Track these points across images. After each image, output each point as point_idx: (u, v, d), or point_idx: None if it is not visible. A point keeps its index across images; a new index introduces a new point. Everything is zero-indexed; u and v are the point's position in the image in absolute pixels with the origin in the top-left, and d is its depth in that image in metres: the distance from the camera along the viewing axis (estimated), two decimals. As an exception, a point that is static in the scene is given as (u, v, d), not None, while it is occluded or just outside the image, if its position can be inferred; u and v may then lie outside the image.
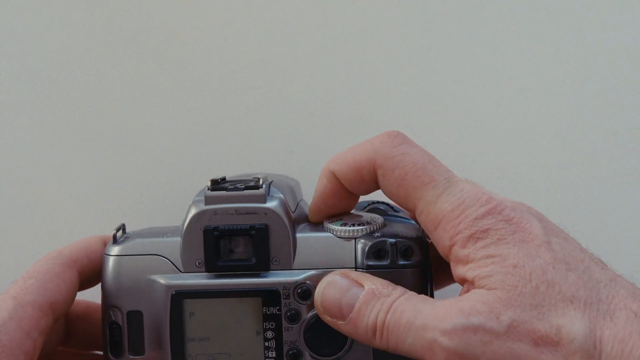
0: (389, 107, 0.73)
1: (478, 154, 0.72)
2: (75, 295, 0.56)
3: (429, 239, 0.54)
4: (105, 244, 0.57)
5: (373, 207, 0.59)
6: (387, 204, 0.59)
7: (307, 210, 0.58)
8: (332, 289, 0.52)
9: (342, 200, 0.56)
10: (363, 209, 0.59)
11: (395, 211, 0.59)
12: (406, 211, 0.54)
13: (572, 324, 0.45)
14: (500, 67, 0.74)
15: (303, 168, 0.68)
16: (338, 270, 0.53)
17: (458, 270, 0.49)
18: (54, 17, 0.75)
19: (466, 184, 0.51)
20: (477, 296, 0.47)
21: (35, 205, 0.75)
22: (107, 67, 0.75)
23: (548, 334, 0.45)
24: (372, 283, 0.51)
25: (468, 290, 0.48)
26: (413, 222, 0.57)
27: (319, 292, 0.52)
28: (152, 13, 0.75)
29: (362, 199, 0.58)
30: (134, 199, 0.74)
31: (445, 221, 0.49)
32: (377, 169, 0.52)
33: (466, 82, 0.74)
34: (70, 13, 0.75)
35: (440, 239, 0.50)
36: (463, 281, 0.49)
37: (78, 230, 0.73)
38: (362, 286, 0.51)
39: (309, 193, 0.59)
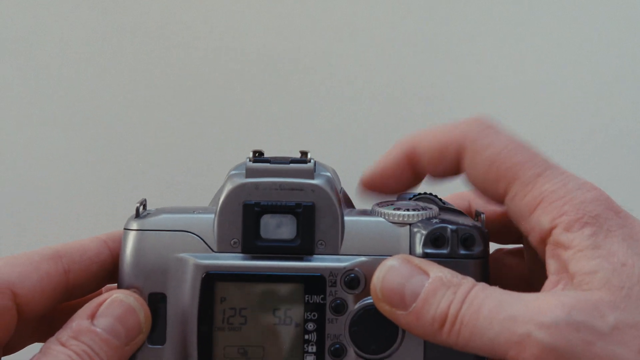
0: (396, 110, 0.72)
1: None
2: (56, 290, 0.49)
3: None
4: (108, 246, 0.51)
5: (420, 197, 0.54)
6: (435, 196, 0.54)
7: (348, 198, 0.53)
8: (394, 274, 0.46)
9: (402, 179, 0.51)
10: (409, 200, 0.54)
11: (444, 203, 0.54)
12: (491, 199, 0.50)
13: None
14: (501, 69, 0.74)
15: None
16: (399, 255, 0.47)
17: (557, 254, 0.44)
18: (56, 16, 0.73)
19: (565, 169, 0.47)
20: (579, 294, 0.42)
21: (45, 196, 0.72)
22: (116, 60, 0.73)
23: None
24: (439, 271, 0.46)
25: (560, 282, 0.44)
26: (466, 215, 0.52)
27: (379, 277, 0.46)
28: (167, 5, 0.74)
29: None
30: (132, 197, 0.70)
31: (546, 202, 0.45)
32: (465, 149, 0.48)
33: (470, 84, 0.73)
34: (73, 10, 0.73)
35: (539, 221, 0.45)
36: (560, 270, 0.44)
37: (86, 221, 0.70)
38: (428, 274, 0.46)
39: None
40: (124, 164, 0.75)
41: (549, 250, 0.45)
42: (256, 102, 0.74)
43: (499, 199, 0.48)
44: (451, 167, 0.49)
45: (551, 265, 0.45)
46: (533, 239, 0.46)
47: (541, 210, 0.45)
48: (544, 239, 0.45)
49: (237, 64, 0.75)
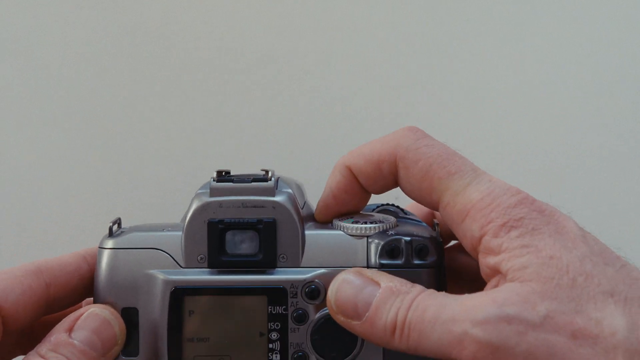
0: (392, 108, 0.72)
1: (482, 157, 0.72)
2: (38, 304, 0.51)
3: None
4: (87, 261, 0.54)
5: (383, 208, 0.56)
6: (397, 207, 0.57)
7: (313, 211, 0.55)
8: (346, 287, 0.48)
9: (354, 198, 0.53)
10: (372, 211, 0.57)
11: (405, 214, 0.56)
12: (428, 207, 0.52)
13: (612, 317, 0.42)
14: (504, 70, 0.74)
15: (304, 170, 0.66)
16: (351, 269, 0.50)
17: (488, 260, 0.46)
18: (55, 17, 0.74)
19: (492, 176, 0.49)
20: (510, 288, 0.44)
21: (36, 207, 0.74)
22: (107, 66, 0.74)
23: (587, 326, 0.42)
24: (389, 280, 0.48)
25: (498, 283, 0.45)
26: (425, 224, 0.54)
27: (332, 291, 0.49)
28: (156, 10, 0.74)
29: (372, 201, 0.56)
30: (129, 199, 0.72)
31: (475, 210, 0.47)
32: (399, 161, 0.50)
33: (471, 85, 0.74)
34: (71, 11, 0.74)
35: (469, 229, 0.47)
36: (494, 273, 0.46)
37: (72, 230, 0.72)
38: (378, 284, 0.48)
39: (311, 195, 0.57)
40: (123, 164, 0.77)
41: (481, 257, 0.47)
42: (257, 105, 0.75)
43: (434, 208, 0.50)
44: (388, 180, 0.52)
45: (485, 270, 0.47)
46: (466, 246, 0.48)
47: (470, 219, 0.47)
48: (476, 247, 0.47)
49: (239, 64, 0.76)
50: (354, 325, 0.48)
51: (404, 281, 0.48)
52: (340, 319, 0.49)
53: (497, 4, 0.77)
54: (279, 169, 0.56)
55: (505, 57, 0.77)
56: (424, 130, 0.52)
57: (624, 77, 0.79)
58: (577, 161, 0.79)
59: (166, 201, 0.75)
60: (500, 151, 0.78)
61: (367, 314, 0.47)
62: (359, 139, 0.55)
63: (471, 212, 0.47)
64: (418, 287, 0.47)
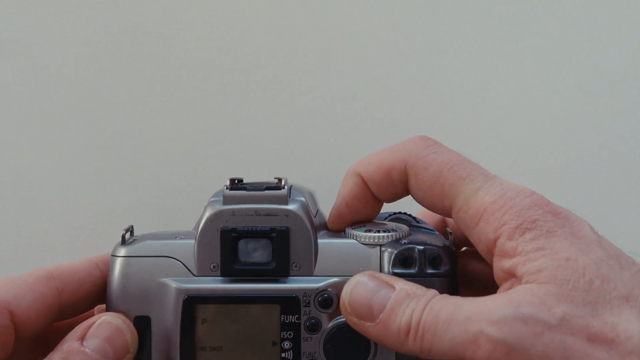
0: (398, 110, 0.72)
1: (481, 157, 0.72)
2: (50, 311, 0.51)
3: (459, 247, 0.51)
4: (99, 268, 0.54)
5: (395, 217, 0.56)
6: (410, 215, 0.57)
7: (326, 219, 0.55)
8: (361, 288, 0.48)
9: (366, 206, 0.53)
10: (384, 219, 0.57)
11: (418, 222, 0.56)
12: (439, 214, 0.52)
13: (628, 322, 0.42)
14: (503, 70, 0.74)
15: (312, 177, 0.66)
16: (366, 272, 0.50)
17: (503, 264, 0.46)
18: (55, 17, 0.74)
19: (503, 179, 0.49)
20: (526, 290, 0.44)
21: (41, 210, 0.74)
22: (116, 69, 0.74)
23: (603, 330, 0.42)
24: (403, 284, 0.48)
25: (512, 286, 0.45)
26: (437, 233, 0.54)
27: (346, 292, 0.49)
28: (156, 10, 0.74)
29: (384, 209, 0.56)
30: (141, 206, 0.72)
31: (488, 213, 0.47)
32: (410, 169, 0.50)
33: (471, 85, 0.74)
34: (71, 11, 0.74)
35: (483, 233, 0.47)
36: (508, 276, 0.46)
37: (83, 237, 0.72)
38: (393, 287, 0.48)
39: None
40: (124, 164, 0.76)
41: (496, 260, 0.47)
42: (265, 108, 0.75)
43: (447, 214, 0.50)
44: (398, 188, 0.52)
45: (499, 274, 0.47)
46: (480, 250, 0.48)
47: (484, 223, 0.47)
48: (490, 250, 0.47)
49: (240, 64, 0.76)
50: (368, 327, 0.48)
51: (418, 285, 0.48)
52: (353, 320, 0.49)
53: (497, 4, 0.77)
54: (288, 175, 0.57)
55: (506, 57, 0.77)
56: (428, 130, 0.52)
57: (624, 77, 0.79)
58: (577, 161, 0.79)
59: (167, 204, 0.75)
60: (499, 151, 0.78)
61: (381, 316, 0.47)
62: (369, 145, 0.55)
63: (484, 215, 0.47)
64: (433, 291, 0.48)
